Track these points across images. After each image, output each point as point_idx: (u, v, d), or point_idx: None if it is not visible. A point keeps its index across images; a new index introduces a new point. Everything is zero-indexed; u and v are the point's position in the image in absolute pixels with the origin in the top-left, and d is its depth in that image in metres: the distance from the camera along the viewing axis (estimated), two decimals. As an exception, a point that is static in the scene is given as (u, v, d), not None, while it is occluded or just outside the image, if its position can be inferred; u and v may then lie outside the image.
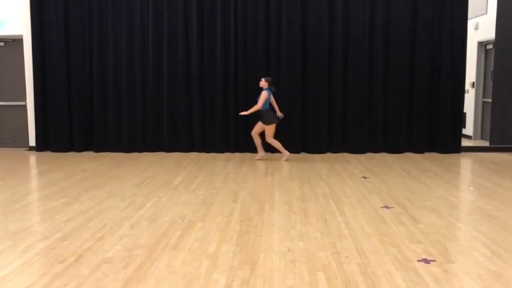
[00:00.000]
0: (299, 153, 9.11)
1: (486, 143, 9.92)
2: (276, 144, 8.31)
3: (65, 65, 9.21)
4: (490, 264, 3.76)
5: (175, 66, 9.12)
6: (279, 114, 8.48)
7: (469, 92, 10.63)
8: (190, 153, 9.16)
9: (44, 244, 4.21)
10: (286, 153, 8.31)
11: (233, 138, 9.21)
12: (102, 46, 9.18)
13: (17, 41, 9.51)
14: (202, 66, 9.13)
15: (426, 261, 3.79)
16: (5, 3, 9.35)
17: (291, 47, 9.00)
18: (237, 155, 9.02)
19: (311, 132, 9.14)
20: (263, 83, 8.18)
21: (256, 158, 8.45)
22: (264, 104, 8.12)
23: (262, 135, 8.36)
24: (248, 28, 9.03)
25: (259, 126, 8.31)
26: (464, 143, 9.60)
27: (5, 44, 9.68)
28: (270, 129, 8.18)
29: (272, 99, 8.36)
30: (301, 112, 9.13)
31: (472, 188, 6.45)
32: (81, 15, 9.15)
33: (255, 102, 9.23)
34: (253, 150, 9.15)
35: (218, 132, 9.18)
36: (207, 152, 9.20)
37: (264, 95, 8.09)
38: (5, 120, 9.83)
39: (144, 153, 9.14)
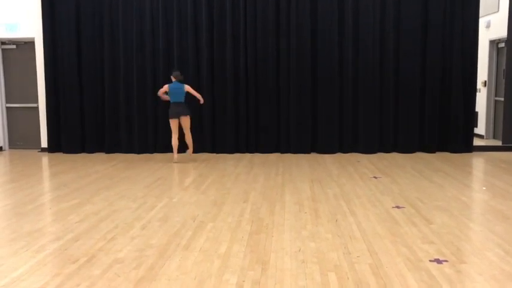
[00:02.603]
0: (309, 153, 9.10)
1: (498, 142, 9.83)
2: (175, 144, 8.23)
3: (77, 67, 9.28)
4: (504, 264, 3.72)
5: (186, 67, 9.14)
6: (202, 101, 8.34)
7: (481, 90, 10.54)
8: (201, 153, 9.19)
9: (57, 244, 4.25)
10: (176, 155, 8.24)
11: (243, 139, 9.22)
12: (114, 48, 9.24)
13: (29, 44, 9.61)
14: (212, 67, 9.17)
15: (439, 261, 3.76)
16: (17, 6, 9.45)
17: (301, 47, 8.98)
18: (247, 155, 9.03)
19: (321, 132, 9.12)
20: (174, 79, 8.13)
21: (189, 156, 8.50)
22: (171, 97, 8.10)
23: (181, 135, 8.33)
24: (258, 30, 9.04)
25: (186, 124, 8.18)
26: (476, 142, 9.52)
27: (17, 46, 9.79)
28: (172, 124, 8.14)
29: (192, 91, 8.16)
30: (312, 112, 9.11)
31: (484, 188, 6.38)
32: (92, 18, 9.22)
33: (264, 103, 9.27)
34: (263, 150, 9.17)
35: (228, 132, 9.20)
36: (217, 152, 9.22)
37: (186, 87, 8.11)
38: (18, 122, 9.94)
39: (155, 154, 9.19)
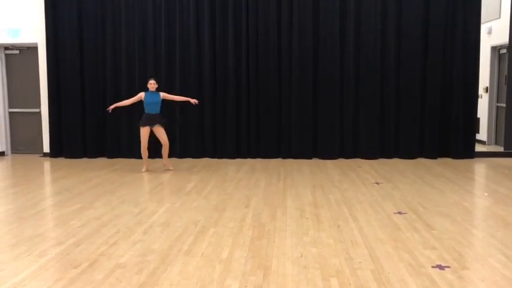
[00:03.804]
0: (311, 158, 9.10)
1: (500, 148, 9.82)
2: (145, 154, 7.87)
3: (79, 72, 9.32)
4: (505, 270, 3.71)
5: (188, 72, 9.19)
6: (194, 101, 8.00)
7: (483, 96, 10.55)
8: (202, 159, 9.20)
9: (59, 249, 4.25)
10: (145, 167, 7.95)
11: (245, 144, 9.23)
12: (116, 54, 9.28)
13: (32, 49, 9.65)
14: (214, 72, 9.19)
15: (441, 267, 3.76)
16: (20, 12, 9.50)
17: (302, 52, 9.00)
18: (249, 160, 9.03)
19: (323, 137, 9.13)
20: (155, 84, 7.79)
21: (168, 168, 8.05)
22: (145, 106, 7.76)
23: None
24: (260, 36, 9.07)
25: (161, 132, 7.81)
26: (478, 148, 9.52)
27: (20, 52, 9.83)
28: (141, 133, 7.73)
29: (172, 96, 8.03)
30: (313, 117, 9.12)
31: (486, 194, 6.38)
32: (95, 23, 9.27)
33: (266, 108, 9.26)
34: (265, 155, 9.16)
35: (230, 137, 9.21)
36: (218, 157, 9.23)
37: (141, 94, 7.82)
38: (20, 127, 9.96)
39: (156, 159, 9.17)
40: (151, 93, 7.77)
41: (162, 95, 7.86)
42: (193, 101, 8.03)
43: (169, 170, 8.06)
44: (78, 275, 3.67)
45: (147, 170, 7.96)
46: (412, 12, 8.92)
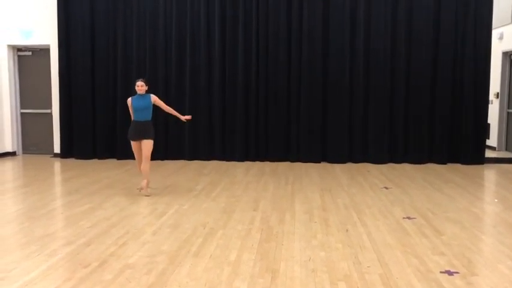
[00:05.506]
0: (319, 162, 9.09)
1: (510, 154, 9.76)
2: (145, 171, 6.40)
3: (90, 74, 9.40)
4: (515, 277, 3.69)
5: (197, 75, 9.23)
6: (186, 118, 6.85)
7: (493, 102, 10.48)
8: (211, 161, 9.23)
9: (69, 249, 4.28)
10: (144, 182, 6.41)
11: (253, 147, 9.25)
12: (126, 56, 9.35)
13: (44, 51, 9.76)
14: (223, 76, 9.23)
15: (449, 273, 3.74)
16: (33, 13, 9.61)
17: (312, 57, 9.02)
18: (257, 163, 9.04)
19: (332, 141, 9.12)
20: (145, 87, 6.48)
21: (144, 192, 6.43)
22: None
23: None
24: (270, 38, 9.10)
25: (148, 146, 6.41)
26: (488, 154, 9.46)
27: (32, 53, 9.94)
28: (132, 147, 6.54)
29: (163, 104, 6.72)
30: (322, 122, 9.12)
31: (496, 200, 6.34)
32: (107, 26, 9.36)
33: (275, 112, 9.26)
34: (273, 158, 9.17)
35: (239, 141, 9.23)
36: (227, 160, 9.25)
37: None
38: (31, 127, 10.06)
39: (166, 161, 9.23)
40: (139, 96, 6.45)
41: (154, 98, 6.55)
42: (185, 118, 6.82)
43: (145, 194, 6.35)
44: (88, 275, 3.70)
45: (147, 186, 6.45)
46: (422, 17, 8.90)
